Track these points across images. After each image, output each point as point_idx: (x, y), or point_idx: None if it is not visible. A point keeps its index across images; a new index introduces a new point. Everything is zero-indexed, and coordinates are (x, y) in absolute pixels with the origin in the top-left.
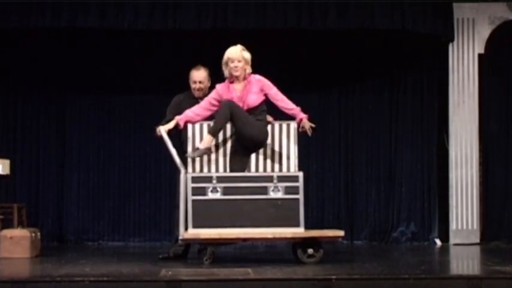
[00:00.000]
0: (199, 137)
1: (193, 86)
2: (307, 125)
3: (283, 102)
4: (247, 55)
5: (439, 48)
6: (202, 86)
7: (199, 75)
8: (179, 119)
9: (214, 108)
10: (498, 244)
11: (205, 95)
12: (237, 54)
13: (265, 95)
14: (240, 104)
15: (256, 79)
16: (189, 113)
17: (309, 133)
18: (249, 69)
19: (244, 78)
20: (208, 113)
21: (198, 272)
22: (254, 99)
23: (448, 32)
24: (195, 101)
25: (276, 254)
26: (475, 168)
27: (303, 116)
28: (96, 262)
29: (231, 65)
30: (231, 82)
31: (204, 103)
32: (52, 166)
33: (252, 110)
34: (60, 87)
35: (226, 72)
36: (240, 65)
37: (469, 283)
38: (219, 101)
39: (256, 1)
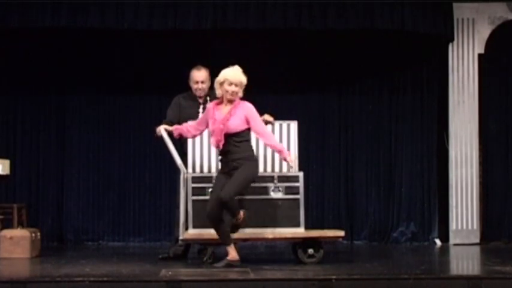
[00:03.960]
0: (199, 137)
1: (194, 86)
2: (291, 162)
3: (270, 137)
4: (244, 79)
5: (439, 48)
6: (204, 86)
7: (200, 75)
8: (175, 128)
9: (202, 128)
10: (498, 244)
11: (207, 95)
12: (235, 78)
13: (250, 124)
14: (221, 126)
15: (244, 106)
16: (185, 127)
17: (292, 165)
18: (240, 94)
19: (231, 102)
20: (197, 132)
21: (198, 272)
22: (236, 124)
23: (448, 32)
24: (196, 101)
25: (276, 254)
26: (475, 168)
27: (286, 155)
28: (96, 262)
29: (227, 87)
30: (219, 103)
31: (197, 120)
32: (52, 166)
33: (232, 136)
34: (60, 87)
35: (218, 92)
36: (236, 89)
37: (469, 283)
38: (205, 121)
39: (256, 1)
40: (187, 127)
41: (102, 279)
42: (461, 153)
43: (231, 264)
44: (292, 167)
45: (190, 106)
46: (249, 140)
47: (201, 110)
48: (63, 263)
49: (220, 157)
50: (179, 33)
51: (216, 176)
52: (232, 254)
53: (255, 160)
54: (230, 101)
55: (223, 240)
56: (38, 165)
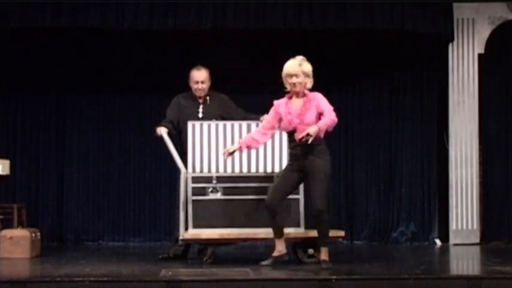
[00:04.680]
0: (199, 137)
1: (194, 86)
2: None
3: (324, 117)
4: (306, 68)
5: (439, 48)
6: (204, 86)
7: (201, 75)
8: (241, 144)
9: (272, 130)
10: (498, 244)
11: (206, 95)
12: (294, 69)
13: (320, 113)
14: (298, 121)
15: (315, 97)
16: (250, 138)
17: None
18: (309, 83)
19: (304, 94)
20: (267, 138)
21: (198, 272)
22: (312, 118)
23: (448, 32)
24: (196, 101)
25: None
26: (475, 168)
27: (316, 126)
28: (96, 262)
29: (289, 80)
30: (290, 97)
31: (263, 124)
32: (52, 166)
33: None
34: (60, 87)
35: (288, 87)
36: (299, 80)
37: (469, 283)
38: (277, 120)
39: (256, 1)
40: (253, 138)
41: (102, 279)
42: (461, 153)
43: (278, 260)
44: (309, 137)
45: (190, 106)
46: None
47: (200, 109)
48: (63, 263)
49: (290, 150)
50: (179, 33)
51: (286, 168)
52: (279, 248)
53: (327, 153)
54: (300, 94)
55: (274, 233)
56: (38, 165)
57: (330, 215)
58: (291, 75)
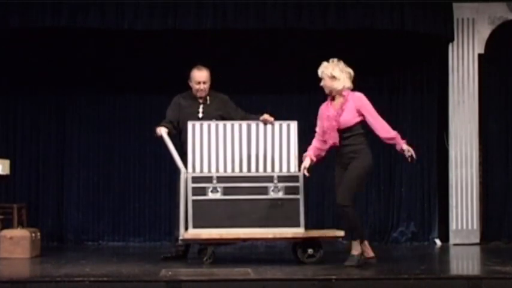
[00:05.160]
0: (199, 137)
1: (196, 86)
2: (408, 152)
3: (382, 130)
4: (335, 71)
5: (439, 48)
6: (205, 86)
7: (202, 76)
8: (309, 154)
9: (325, 137)
10: (498, 244)
11: (207, 95)
12: (324, 72)
13: (363, 116)
14: (334, 123)
15: (354, 97)
16: (315, 149)
17: (409, 160)
18: (339, 86)
19: (342, 95)
20: (324, 144)
21: (198, 272)
22: (348, 118)
23: (448, 32)
24: (196, 101)
25: (276, 254)
26: (475, 168)
27: (403, 144)
28: (96, 262)
29: (322, 83)
30: (332, 99)
31: (317, 132)
32: (52, 166)
33: (345, 131)
34: (60, 87)
35: None
36: (325, 83)
37: (469, 283)
38: (323, 123)
39: (256, 1)
40: (316, 147)
41: (102, 279)
42: (461, 153)
43: (358, 260)
44: (411, 156)
45: (190, 106)
46: (362, 133)
47: (201, 109)
48: (63, 263)
49: (340, 149)
50: (179, 33)
51: (336, 166)
52: (357, 249)
53: (368, 153)
54: (339, 95)
55: (351, 234)
56: (38, 165)
57: (355, 212)
58: (323, 78)
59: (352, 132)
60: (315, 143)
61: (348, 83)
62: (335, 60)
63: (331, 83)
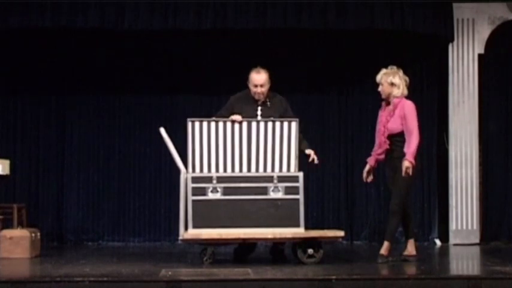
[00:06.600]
0: (199, 137)
1: (253, 89)
2: (407, 169)
3: (407, 145)
4: (394, 79)
5: (439, 48)
6: (263, 89)
7: (260, 79)
8: (369, 160)
9: (377, 140)
10: (498, 244)
11: (266, 97)
12: (379, 78)
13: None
14: (382, 129)
15: (403, 105)
16: (376, 154)
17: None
18: (398, 93)
19: (394, 102)
20: (379, 148)
21: (198, 272)
22: (395, 126)
23: (448, 32)
24: (254, 103)
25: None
26: (475, 168)
27: (407, 161)
28: (96, 262)
29: (379, 88)
30: (387, 104)
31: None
32: (52, 166)
33: (394, 136)
34: (60, 87)
35: None
36: (382, 88)
37: (469, 283)
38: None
39: (256, 1)
40: (375, 151)
41: (102, 279)
42: (461, 154)
43: (406, 259)
44: (408, 174)
45: (247, 107)
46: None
47: (259, 112)
48: (63, 263)
49: (389, 152)
50: (179, 33)
51: (386, 170)
52: (409, 249)
53: (414, 158)
54: (387, 100)
55: (405, 234)
56: (38, 165)
57: (397, 217)
58: (379, 84)
59: (400, 137)
60: (375, 146)
61: (406, 91)
62: (394, 67)
63: (390, 89)
